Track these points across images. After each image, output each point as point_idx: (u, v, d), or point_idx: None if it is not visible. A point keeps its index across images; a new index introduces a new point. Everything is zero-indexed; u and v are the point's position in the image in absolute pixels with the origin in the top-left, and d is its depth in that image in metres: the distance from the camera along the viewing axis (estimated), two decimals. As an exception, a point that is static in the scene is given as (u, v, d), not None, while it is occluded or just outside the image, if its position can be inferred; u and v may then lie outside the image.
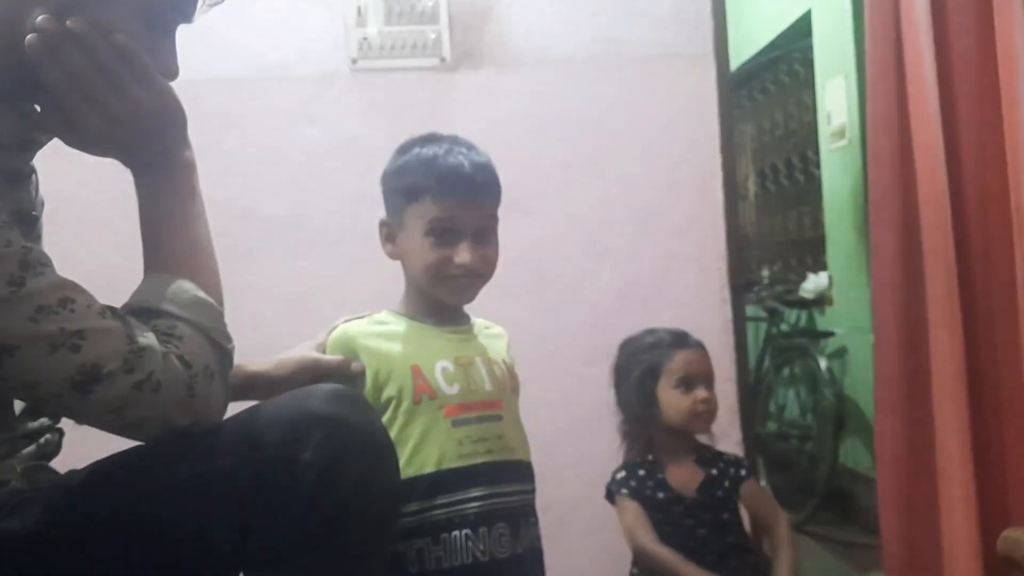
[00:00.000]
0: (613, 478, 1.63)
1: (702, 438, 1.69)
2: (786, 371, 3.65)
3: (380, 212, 1.37)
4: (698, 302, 2.17)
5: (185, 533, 0.87)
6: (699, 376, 1.62)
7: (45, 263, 0.84)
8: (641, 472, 1.61)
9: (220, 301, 0.97)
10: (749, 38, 4.11)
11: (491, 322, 1.45)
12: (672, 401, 1.60)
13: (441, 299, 1.33)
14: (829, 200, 3.52)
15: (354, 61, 2.13)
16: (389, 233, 1.36)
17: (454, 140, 1.33)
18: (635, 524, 1.56)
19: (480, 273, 1.31)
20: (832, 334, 3.42)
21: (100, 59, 0.89)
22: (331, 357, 1.28)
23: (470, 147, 1.33)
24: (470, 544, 1.21)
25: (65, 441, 1.06)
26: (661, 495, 1.59)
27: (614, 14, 2.19)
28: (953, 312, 1.77)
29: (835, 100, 3.37)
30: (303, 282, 2.10)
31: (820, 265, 3.68)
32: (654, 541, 1.55)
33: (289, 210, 2.11)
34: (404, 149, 1.35)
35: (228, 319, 0.96)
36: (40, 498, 0.91)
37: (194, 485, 0.87)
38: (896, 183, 1.89)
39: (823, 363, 3.29)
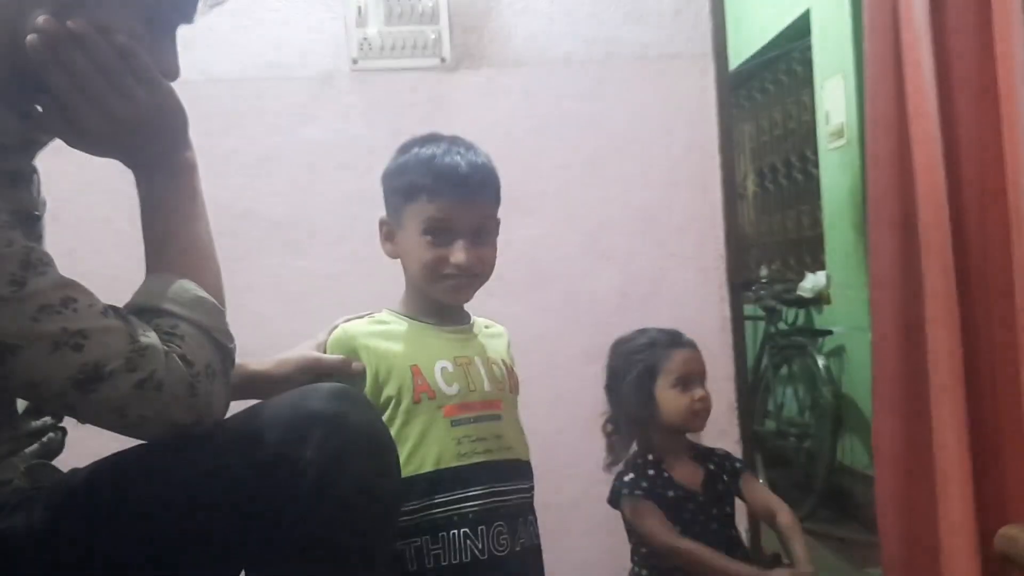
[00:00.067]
0: (620, 480, 1.62)
1: (691, 435, 1.70)
2: (784, 369, 3.65)
3: (380, 212, 1.37)
4: (697, 301, 2.18)
5: (186, 532, 0.88)
6: (695, 375, 1.62)
7: (47, 263, 0.85)
8: (651, 472, 1.61)
9: (221, 301, 0.97)
10: (748, 38, 4.12)
11: (492, 321, 1.45)
12: (671, 401, 1.60)
13: (438, 298, 1.33)
14: (828, 199, 3.52)
15: (354, 61, 2.14)
16: (389, 232, 1.36)
17: (454, 140, 1.34)
18: (657, 523, 1.55)
19: (476, 273, 1.31)
20: (830, 333, 3.42)
21: (101, 59, 0.89)
22: (332, 356, 1.28)
23: (469, 147, 1.33)
24: (469, 543, 1.22)
25: (68, 440, 1.06)
26: (671, 493, 1.60)
27: (613, 14, 2.19)
28: (951, 311, 1.78)
29: (834, 100, 3.37)
30: (304, 281, 2.10)
31: (818, 264, 3.68)
32: (681, 538, 1.55)
33: (289, 210, 2.11)
34: (404, 149, 1.35)
35: (229, 318, 0.96)
36: (42, 497, 0.91)
37: (195, 484, 0.88)
38: (894, 182, 1.89)
39: (821, 361, 3.30)
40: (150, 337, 0.86)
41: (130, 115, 0.92)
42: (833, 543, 2.98)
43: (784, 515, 1.66)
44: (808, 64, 3.66)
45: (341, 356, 1.28)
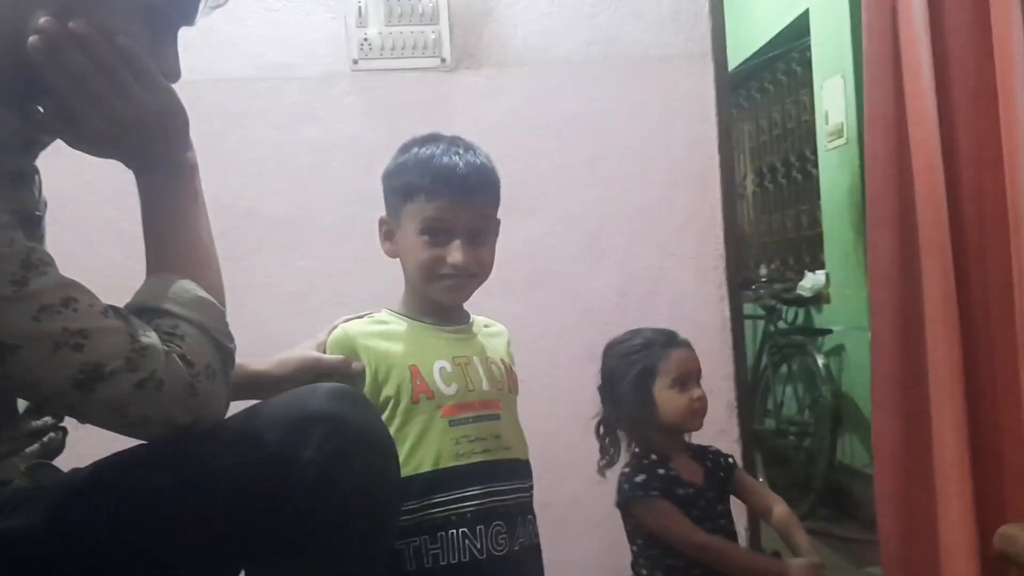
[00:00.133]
0: (631, 482, 1.59)
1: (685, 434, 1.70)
2: (784, 368, 3.66)
3: (381, 212, 1.38)
4: (696, 300, 2.18)
5: (186, 532, 0.88)
6: (692, 374, 1.62)
7: (48, 263, 0.85)
8: (660, 471, 1.60)
9: (222, 301, 0.97)
10: (747, 38, 4.12)
11: (492, 320, 1.45)
12: (669, 401, 1.60)
13: (435, 298, 1.33)
14: (827, 198, 3.53)
15: (355, 61, 2.14)
16: (388, 231, 1.36)
17: (453, 141, 1.34)
18: (679, 522, 1.55)
19: (474, 273, 1.31)
20: (830, 331, 3.43)
21: (102, 60, 0.89)
22: (331, 356, 1.28)
23: (469, 148, 1.33)
24: (467, 542, 1.22)
25: (68, 440, 1.07)
26: (681, 491, 1.59)
27: (613, 15, 2.20)
28: (950, 309, 1.78)
29: (833, 99, 3.38)
30: (304, 281, 2.10)
31: (818, 263, 3.69)
32: (706, 534, 1.55)
33: (290, 210, 2.12)
34: (404, 148, 1.35)
35: (229, 318, 0.97)
36: (43, 497, 0.91)
37: (196, 483, 0.88)
38: (893, 181, 1.89)
39: (820, 360, 3.30)
40: (150, 337, 0.87)
41: (131, 116, 0.92)
42: (833, 542, 2.98)
43: (781, 508, 1.67)
44: (807, 64, 3.66)
45: (341, 356, 1.28)
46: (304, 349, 1.30)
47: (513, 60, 2.18)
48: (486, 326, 1.42)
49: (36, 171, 1.01)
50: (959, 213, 1.82)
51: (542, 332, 2.11)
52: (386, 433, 0.98)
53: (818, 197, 3.63)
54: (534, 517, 1.33)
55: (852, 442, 3.29)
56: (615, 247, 2.18)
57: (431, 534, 1.22)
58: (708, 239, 2.19)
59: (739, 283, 2.24)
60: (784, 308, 3.70)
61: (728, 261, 2.20)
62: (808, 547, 1.59)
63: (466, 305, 1.40)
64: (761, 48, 4.10)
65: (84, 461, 0.96)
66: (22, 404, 0.99)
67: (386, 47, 2.14)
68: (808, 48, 3.62)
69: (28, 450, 0.99)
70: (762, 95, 4.45)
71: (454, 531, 1.22)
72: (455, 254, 1.28)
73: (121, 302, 0.91)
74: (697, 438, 1.70)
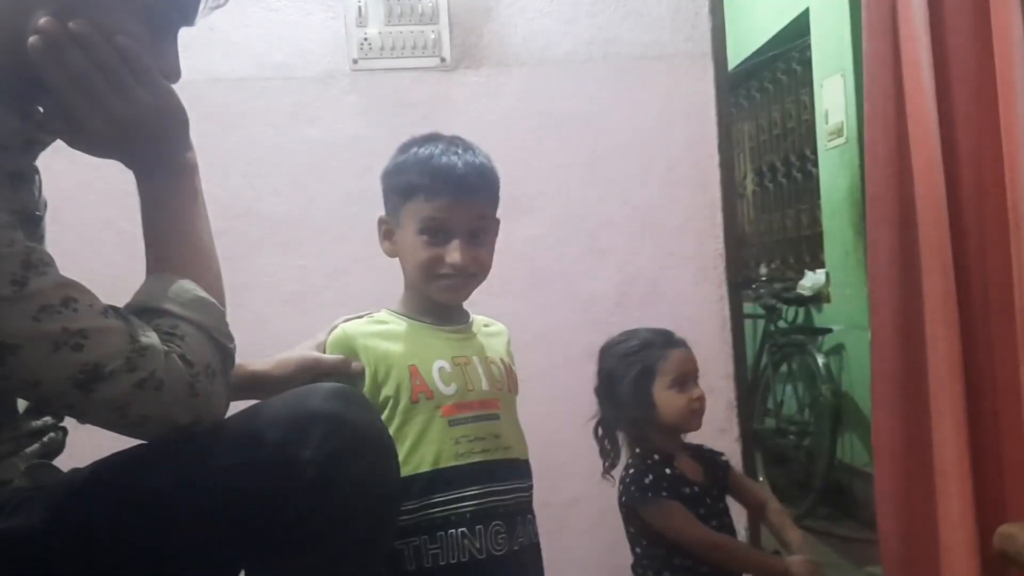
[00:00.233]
0: (638, 484, 1.58)
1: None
2: (784, 368, 3.66)
3: (380, 211, 1.38)
4: (696, 299, 2.18)
5: (186, 532, 0.88)
6: (691, 374, 1.62)
7: (48, 263, 0.85)
8: (667, 471, 1.60)
9: (222, 301, 0.97)
10: (747, 37, 4.12)
11: (492, 319, 1.45)
12: (668, 401, 1.60)
13: (434, 298, 1.33)
14: (826, 198, 3.53)
15: (355, 61, 2.14)
16: (387, 231, 1.36)
17: (453, 140, 1.34)
18: (689, 521, 1.55)
19: (472, 273, 1.31)
20: (829, 331, 3.43)
21: (103, 60, 0.89)
22: (331, 356, 1.28)
23: (468, 147, 1.33)
24: (466, 542, 1.22)
25: (68, 440, 1.07)
26: (687, 490, 1.59)
27: (612, 14, 2.20)
28: (950, 309, 1.78)
29: (832, 98, 3.38)
30: (304, 281, 2.10)
31: (818, 262, 3.69)
32: (716, 533, 1.56)
33: (290, 209, 2.12)
34: (404, 148, 1.35)
35: (229, 318, 0.97)
36: (43, 497, 0.91)
37: (195, 484, 0.88)
38: (893, 181, 1.89)
39: (820, 360, 3.30)
40: (150, 337, 0.87)
41: (131, 116, 0.92)
42: (833, 541, 2.99)
43: (774, 504, 1.68)
44: (807, 63, 3.66)
45: (340, 356, 1.28)
46: (304, 349, 1.30)
47: (513, 60, 2.18)
48: (486, 325, 1.42)
49: (36, 171, 1.01)
50: (959, 212, 1.82)
51: (542, 331, 2.11)
52: (386, 433, 0.98)
53: (818, 196, 3.63)
54: (534, 517, 1.33)
55: (852, 441, 3.30)
56: (615, 246, 2.18)
57: (430, 534, 1.22)
58: (708, 238, 2.20)
59: (739, 282, 2.24)
60: (784, 307, 3.70)
61: (728, 260, 2.20)
62: (800, 544, 1.60)
63: (466, 304, 1.40)
64: (761, 47, 4.10)
65: (84, 461, 0.96)
66: (22, 404, 0.99)
67: (386, 47, 2.14)
68: (808, 47, 3.62)
69: (28, 450, 0.99)
70: (762, 94, 4.45)
71: (453, 531, 1.22)
72: (454, 254, 1.28)
73: (121, 302, 0.91)
74: (698, 438, 1.70)
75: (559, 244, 2.18)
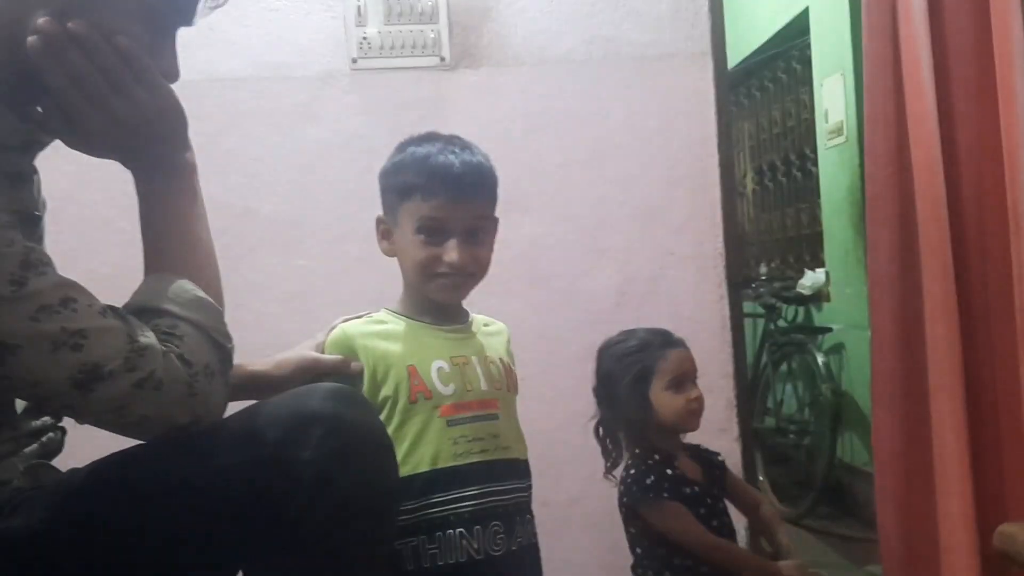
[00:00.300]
0: (640, 484, 1.58)
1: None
2: (784, 367, 3.66)
3: (379, 211, 1.38)
4: (696, 299, 2.18)
5: (185, 532, 0.88)
6: (689, 374, 1.61)
7: (47, 263, 0.85)
8: (668, 471, 1.60)
9: (220, 301, 0.97)
10: (747, 36, 4.12)
11: (492, 319, 1.45)
12: (666, 402, 1.59)
13: (432, 297, 1.33)
14: (826, 197, 3.53)
15: (354, 60, 2.14)
16: (385, 230, 1.36)
17: (450, 139, 1.33)
18: (690, 524, 1.55)
19: (470, 272, 1.31)
20: (829, 330, 3.43)
21: (102, 61, 0.89)
22: (330, 356, 1.28)
23: (465, 147, 1.33)
24: (465, 542, 1.22)
25: (68, 440, 1.07)
26: (687, 490, 1.59)
27: (612, 14, 2.19)
28: (949, 308, 1.78)
29: (832, 97, 3.38)
30: (303, 281, 2.10)
31: (817, 261, 3.69)
32: (716, 536, 1.56)
33: (289, 209, 2.12)
34: (401, 148, 1.35)
35: (228, 318, 0.97)
36: (42, 497, 0.91)
37: (194, 484, 0.88)
38: (893, 180, 1.89)
39: (820, 359, 3.30)
40: (148, 337, 0.87)
41: (131, 116, 0.92)
42: (833, 540, 2.99)
43: (766, 506, 1.69)
44: (807, 62, 3.66)
45: (339, 356, 1.28)
46: (303, 349, 1.30)
47: (512, 59, 2.18)
48: (486, 325, 1.42)
49: (35, 171, 1.01)
50: (959, 211, 1.82)
51: (541, 331, 2.11)
52: (384, 433, 0.98)
53: (818, 195, 3.63)
54: (532, 517, 1.33)
55: (852, 440, 3.29)
56: (614, 246, 2.18)
57: (429, 534, 1.22)
58: (708, 237, 2.19)
59: (739, 281, 2.24)
60: (784, 306, 3.70)
61: (728, 259, 2.19)
62: (790, 547, 1.61)
63: (465, 304, 1.40)
64: (761, 46, 4.10)
65: (83, 461, 0.96)
66: (20, 404, 0.99)
67: (385, 46, 2.14)
68: (808, 46, 3.62)
69: (27, 450, 0.99)
70: (762, 93, 4.44)
71: (452, 531, 1.22)
72: (451, 253, 1.28)
73: (120, 302, 0.92)
74: (698, 437, 1.70)
75: (558, 243, 2.18)
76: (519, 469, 1.33)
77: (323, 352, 1.30)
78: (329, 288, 2.08)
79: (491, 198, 1.35)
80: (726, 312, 2.19)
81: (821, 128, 3.51)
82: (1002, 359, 1.77)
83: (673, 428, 1.62)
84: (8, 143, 0.92)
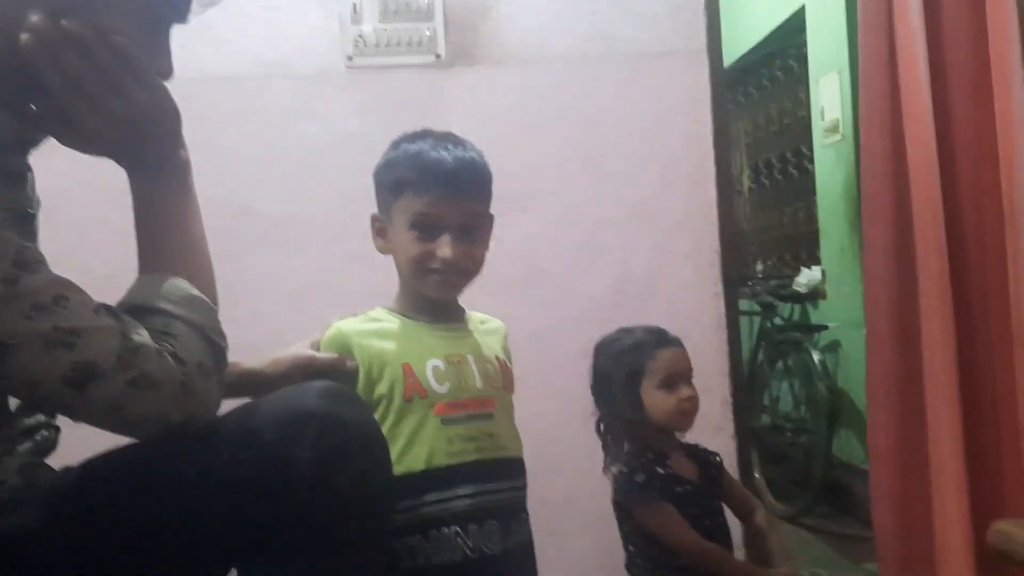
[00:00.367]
0: (632, 483, 1.58)
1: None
2: (780, 364, 3.66)
3: (375, 209, 1.37)
4: (692, 296, 2.18)
5: (181, 530, 0.88)
6: (681, 374, 1.61)
7: (40, 261, 0.85)
8: (660, 470, 1.59)
9: (215, 299, 0.97)
10: (743, 34, 4.12)
11: (489, 316, 1.45)
12: (657, 402, 1.59)
13: (426, 294, 1.33)
14: (823, 195, 3.53)
15: (350, 58, 2.14)
16: (380, 228, 1.36)
17: (444, 136, 1.33)
18: (679, 526, 1.54)
19: (464, 268, 1.31)
20: (825, 328, 3.43)
21: (97, 58, 0.89)
22: (325, 355, 1.28)
23: (459, 143, 1.32)
24: (460, 541, 1.22)
25: (63, 438, 1.06)
26: (680, 489, 1.59)
27: (608, 12, 2.19)
28: (945, 306, 1.78)
29: (829, 96, 3.38)
30: (299, 279, 2.10)
31: (814, 259, 3.69)
32: (705, 541, 1.55)
33: (285, 207, 2.11)
34: (395, 145, 1.35)
35: (224, 316, 0.97)
36: (37, 497, 0.91)
37: (190, 482, 0.88)
38: (889, 178, 1.90)
39: (816, 356, 3.30)
40: (142, 335, 0.87)
41: (126, 114, 0.92)
42: (829, 538, 2.99)
43: (761, 511, 1.68)
44: (803, 60, 3.66)
45: (335, 354, 1.28)
46: (298, 348, 1.30)
47: (509, 57, 2.17)
48: (482, 323, 1.42)
49: (29, 169, 1.01)
50: (955, 209, 1.82)
51: (538, 329, 2.11)
52: (379, 432, 0.99)
53: (814, 193, 3.63)
54: (527, 516, 1.33)
55: (848, 438, 3.30)
56: (611, 244, 2.18)
57: (424, 533, 1.22)
58: (704, 235, 2.19)
59: (735, 279, 2.24)
60: (780, 304, 3.71)
61: (724, 257, 2.20)
62: (782, 555, 1.60)
63: (462, 302, 1.40)
64: (757, 44, 4.10)
65: (77, 459, 0.96)
66: (14, 403, 0.98)
67: (381, 44, 2.14)
68: (804, 44, 3.62)
69: (21, 449, 0.99)
70: (758, 91, 4.45)
71: (447, 530, 1.22)
72: (444, 248, 1.27)
73: (115, 300, 0.91)
74: (694, 435, 1.70)
75: (556, 241, 2.17)
76: (514, 468, 1.33)
77: (319, 350, 1.30)
78: (326, 286, 2.07)
79: (485, 194, 1.34)
80: (722, 310, 2.19)
81: (817, 126, 3.51)
82: (998, 356, 1.78)
83: (666, 428, 1.62)
84: (2, 141, 0.92)
